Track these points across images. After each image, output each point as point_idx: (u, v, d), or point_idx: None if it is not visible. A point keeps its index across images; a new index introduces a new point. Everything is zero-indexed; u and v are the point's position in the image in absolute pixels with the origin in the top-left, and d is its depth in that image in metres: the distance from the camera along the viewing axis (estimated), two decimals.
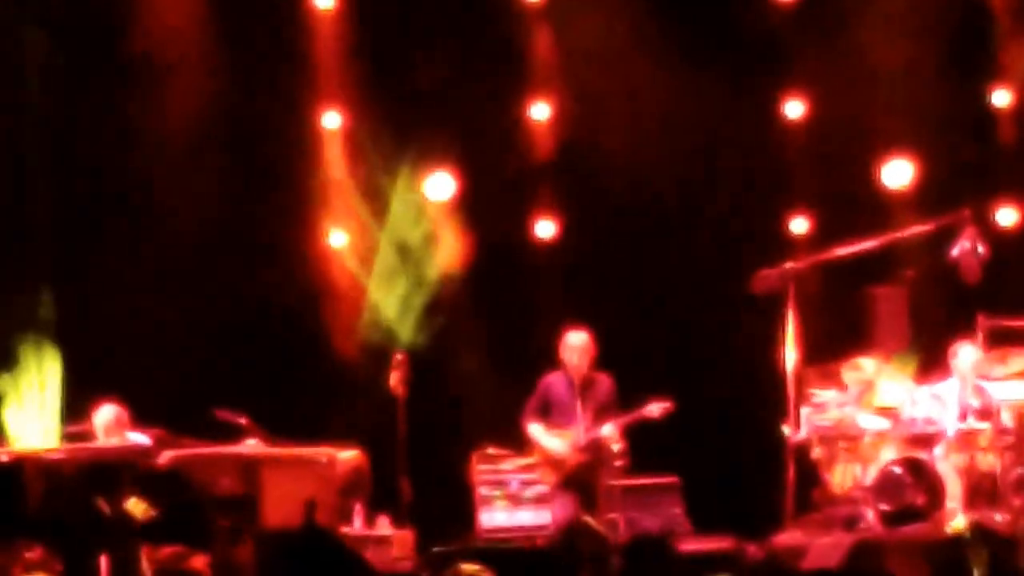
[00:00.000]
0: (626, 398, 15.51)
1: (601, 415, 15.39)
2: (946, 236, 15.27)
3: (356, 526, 14.38)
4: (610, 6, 17.97)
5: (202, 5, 17.73)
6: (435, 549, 14.13)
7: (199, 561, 12.77)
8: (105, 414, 14.58)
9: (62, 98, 17.36)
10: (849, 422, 15.14)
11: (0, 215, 17.13)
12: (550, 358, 15.73)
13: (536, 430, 15.33)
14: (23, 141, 17.22)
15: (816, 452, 15.08)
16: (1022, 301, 15.92)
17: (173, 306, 16.89)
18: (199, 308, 16.93)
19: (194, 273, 16.93)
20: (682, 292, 17.33)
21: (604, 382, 15.62)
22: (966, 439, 14.87)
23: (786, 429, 14.92)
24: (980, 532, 13.00)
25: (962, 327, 15.37)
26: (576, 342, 15.71)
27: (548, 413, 15.38)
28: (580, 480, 15.13)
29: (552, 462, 15.21)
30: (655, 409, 15.33)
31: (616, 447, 15.45)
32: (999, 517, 14.24)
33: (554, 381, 15.70)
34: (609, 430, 15.18)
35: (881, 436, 15.02)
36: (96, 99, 17.24)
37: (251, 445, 14.39)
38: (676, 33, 17.66)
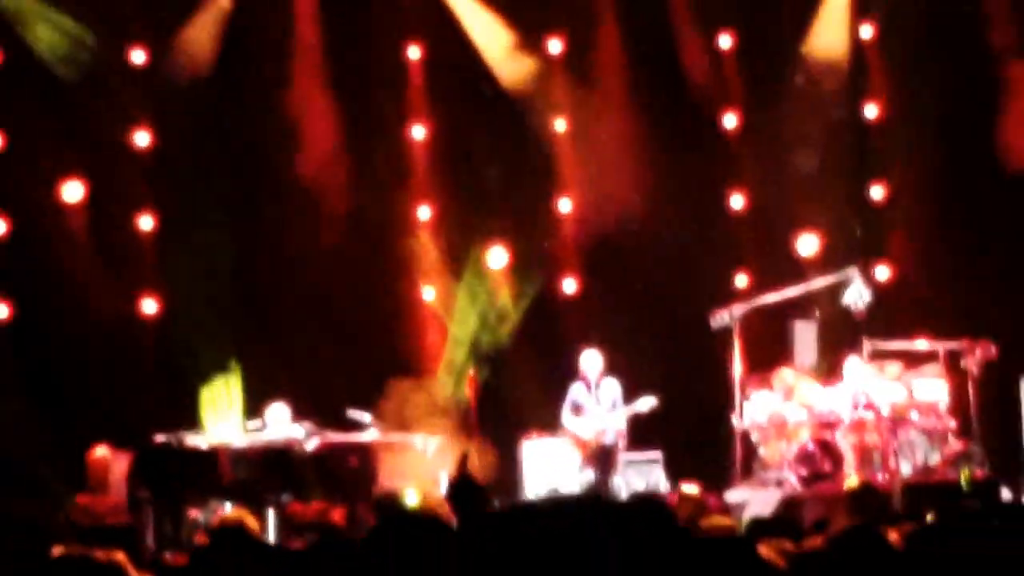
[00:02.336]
0: (629, 397, 15.72)
1: (611, 409, 15.56)
2: (843, 285, 15.48)
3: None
4: (615, 132, 18.03)
5: (337, 133, 17.67)
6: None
7: (337, 513, 13.32)
8: (275, 411, 14.84)
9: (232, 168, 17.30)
10: (777, 414, 15.28)
11: (191, 254, 17.07)
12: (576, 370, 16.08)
13: (568, 421, 15.54)
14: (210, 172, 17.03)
15: (755, 435, 15.33)
16: (893, 329, 15.82)
17: (321, 333, 16.95)
18: (342, 335, 16.95)
19: (333, 314, 17.01)
20: (665, 326, 17.33)
21: (612, 385, 15.78)
22: (857, 425, 14.98)
23: (735, 419, 15.27)
24: (867, 489, 14.14)
25: (853, 347, 15.43)
26: (591, 357, 15.96)
27: (576, 409, 15.57)
28: (597, 455, 15.34)
29: (579, 443, 15.42)
30: (645, 404, 15.44)
31: (620, 440, 15.64)
32: (881, 477, 14.37)
33: (577, 387, 15.87)
34: (617, 419, 15.37)
35: (799, 423, 15.18)
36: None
37: (372, 434, 14.72)
38: (661, 147, 17.69)
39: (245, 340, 16.71)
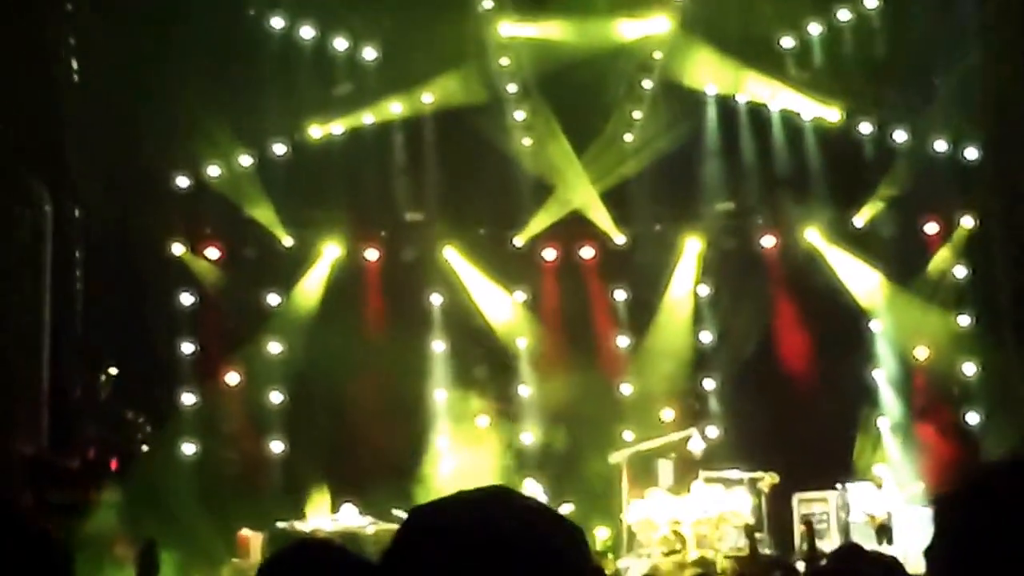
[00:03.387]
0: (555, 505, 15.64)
1: None
2: (688, 439, 15.95)
3: None
4: (553, 346, 18.31)
5: (386, 348, 17.62)
6: None
7: None
8: (348, 509, 15.41)
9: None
10: (648, 515, 15.31)
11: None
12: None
13: None
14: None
15: (635, 526, 15.30)
16: (718, 465, 16.03)
17: (376, 465, 16.46)
18: (388, 466, 16.56)
19: (386, 455, 16.67)
20: (581, 463, 17.04)
21: (540, 494, 15.18)
22: (697, 522, 15.01)
23: (623, 517, 15.47)
24: (702, 559, 14.38)
25: (694, 475, 15.68)
26: (531, 483, 16.18)
27: None
28: None
29: None
30: (565, 509, 14.68)
31: None
32: (710, 553, 14.59)
33: None
34: None
35: (662, 520, 15.11)
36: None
37: None
38: (580, 357, 17.83)
39: (331, 468, 16.49)
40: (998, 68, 16.99)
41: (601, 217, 18.55)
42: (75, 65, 16.05)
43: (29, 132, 14.38)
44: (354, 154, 17.90)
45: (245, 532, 15.22)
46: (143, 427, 16.06)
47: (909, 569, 4.45)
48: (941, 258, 18.37)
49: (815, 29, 18.26)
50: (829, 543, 15.42)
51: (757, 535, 15.03)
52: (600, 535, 16.35)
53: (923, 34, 17.58)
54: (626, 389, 18.50)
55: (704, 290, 18.87)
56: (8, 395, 14.34)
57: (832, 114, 18.37)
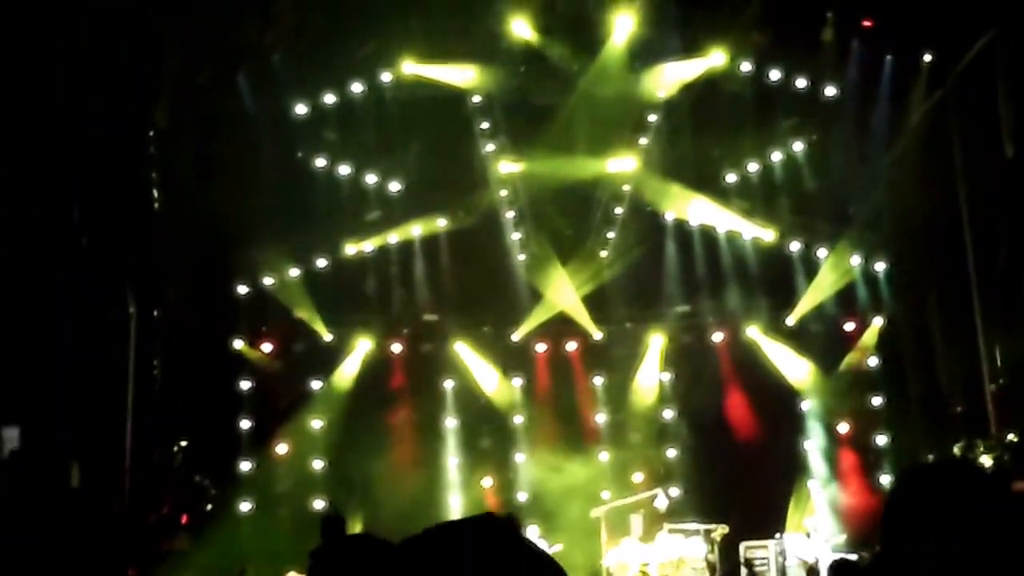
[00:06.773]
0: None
1: None
2: (654, 497, 15.69)
3: None
4: (544, 425, 18.10)
5: (412, 421, 17.74)
6: None
7: None
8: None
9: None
10: (623, 560, 15.12)
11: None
12: None
13: None
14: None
15: (612, 568, 15.03)
16: (678, 518, 15.89)
17: (395, 509, 16.00)
18: (403, 508, 16.02)
19: (401, 493, 16.40)
20: (571, 517, 16.39)
21: None
22: (662, 565, 14.91)
23: (603, 562, 15.11)
24: None
25: (659, 527, 15.45)
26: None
27: None
28: None
29: None
30: (552, 549, 14.47)
31: None
32: None
33: None
34: None
35: (634, 563, 14.97)
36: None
37: None
38: (557, 441, 17.61)
39: (363, 522, 16.21)
40: (899, 200, 17.64)
41: (582, 317, 18.57)
42: (156, 195, 16.58)
43: (120, 251, 14.73)
44: (382, 267, 18.21)
45: (292, 574, 14.08)
46: (209, 489, 16.00)
47: None
48: (857, 350, 18.46)
49: (753, 167, 18.55)
50: None
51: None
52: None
53: (840, 172, 18.03)
54: (603, 457, 18.38)
55: (666, 376, 18.88)
56: (99, 463, 14.20)
57: (767, 234, 18.65)
